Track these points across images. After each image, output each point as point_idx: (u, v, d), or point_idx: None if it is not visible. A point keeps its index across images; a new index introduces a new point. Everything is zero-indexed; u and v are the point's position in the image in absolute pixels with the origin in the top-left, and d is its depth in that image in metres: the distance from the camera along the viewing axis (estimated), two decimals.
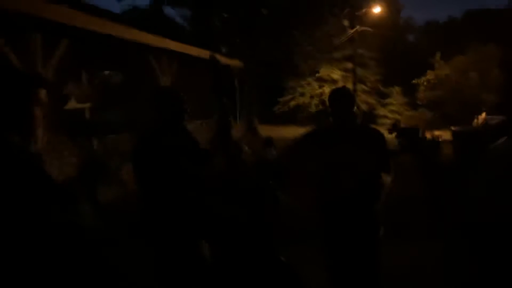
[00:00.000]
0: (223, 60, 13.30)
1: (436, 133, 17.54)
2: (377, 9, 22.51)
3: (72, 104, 7.40)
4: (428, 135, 16.26)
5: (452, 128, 11.58)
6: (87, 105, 7.84)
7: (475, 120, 18.05)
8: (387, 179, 2.99)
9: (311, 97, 25.77)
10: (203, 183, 2.86)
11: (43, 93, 1.84)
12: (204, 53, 11.90)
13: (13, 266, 1.57)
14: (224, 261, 2.92)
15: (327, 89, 25.37)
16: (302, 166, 3.21)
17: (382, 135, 3.11)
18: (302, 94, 25.93)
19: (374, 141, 3.02)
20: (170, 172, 2.72)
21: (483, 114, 17.57)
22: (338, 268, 3.07)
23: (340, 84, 25.40)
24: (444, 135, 15.92)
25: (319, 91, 25.67)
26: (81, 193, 1.95)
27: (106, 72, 12.74)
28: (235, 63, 14.74)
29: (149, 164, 2.75)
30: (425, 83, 18.87)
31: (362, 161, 2.87)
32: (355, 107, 3.08)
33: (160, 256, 2.87)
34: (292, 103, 25.97)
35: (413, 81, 19.54)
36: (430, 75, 18.94)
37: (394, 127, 9.94)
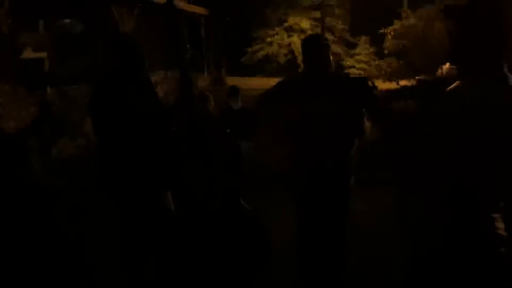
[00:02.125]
0: (187, 7, 12.86)
1: (402, 82, 17.80)
2: None
3: (28, 54, 7.05)
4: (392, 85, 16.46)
5: (417, 77, 11.74)
6: (44, 54, 7.49)
7: (439, 70, 18.35)
8: (367, 125, 2.99)
9: (280, 47, 25.47)
10: (164, 133, 2.82)
11: None
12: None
13: None
14: (189, 211, 2.93)
15: (296, 39, 25.07)
16: (273, 116, 3.18)
17: (359, 83, 3.08)
18: (271, 44, 25.58)
19: (350, 90, 2.98)
20: (127, 122, 2.66)
21: (447, 64, 17.83)
22: (308, 216, 3.11)
23: (309, 34, 25.20)
24: (409, 84, 16.17)
25: (287, 40, 25.36)
26: (34, 146, 1.89)
27: (67, 21, 12.15)
28: (200, 10, 14.28)
29: (106, 114, 2.68)
30: (392, 33, 18.84)
31: (336, 111, 2.86)
32: (330, 56, 3.02)
33: (122, 209, 2.85)
34: (261, 53, 25.63)
35: (380, 31, 19.47)
36: (397, 24, 18.88)
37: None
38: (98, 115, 2.73)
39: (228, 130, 3.05)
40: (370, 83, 2.78)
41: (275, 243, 3.01)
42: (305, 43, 3.08)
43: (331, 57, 2.99)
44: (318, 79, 2.93)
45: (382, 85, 16.37)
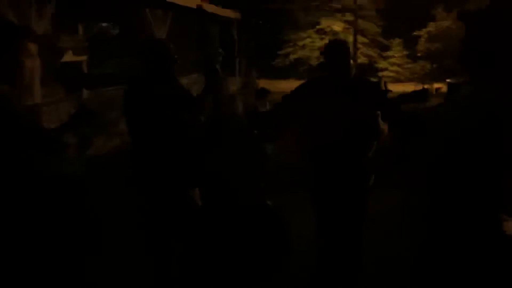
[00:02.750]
0: (220, 11, 13.10)
1: (436, 85, 17.53)
2: None
3: (68, 57, 7.42)
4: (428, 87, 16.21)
5: (448, 80, 11.57)
6: (83, 57, 7.85)
7: None
8: (383, 127, 3.08)
9: (312, 49, 25.46)
10: (193, 131, 2.99)
11: (32, 45, 1.93)
12: (203, 5, 11.73)
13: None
14: (214, 207, 3.09)
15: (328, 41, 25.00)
16: (294, 117, 3.29)
17: (376, 86, 3.18)
18: (303, 47, 25.61)
19: (367, 92, 3.08)
20: (159, 118, 2.84)
21: None
22: (326, 216, 3.21)
23: (342, 36, 25.08)
24: (444, 87, 15.89)
25: (320, 43, 25.32)
26: (70, 142, 2.07)
27: (104, 25, 12.61)
28: (232, 14, 14.52)
29: (137, 113, 2.87)
30: (425, 35, 18.61)
31: (353, 112, 2.95)
32: (351, 60, 3.12)
33: (151, 203, 3.03)
34: (292, 56, 25.69)
35: (414, 33, 19.26)
36: (431, 26, 18.65)
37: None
38: (130, 114, 2.93)
39: (255, 131, 3.18)
40: (383, 86, 2.87)
41: (295, 239, 3.12)
42: (326, 47, 3.19)
43: (351, 61, 3.09)
44: (336, 81, 3.04)
45: (415, 87, 16.18)
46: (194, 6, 10.76)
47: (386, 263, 3.48)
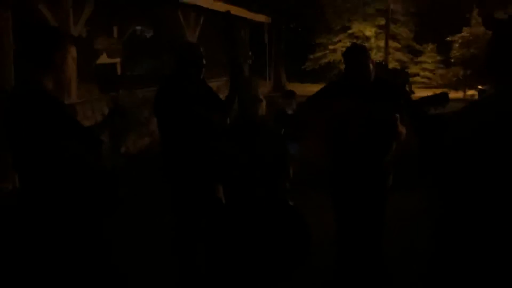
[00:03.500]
0: (250, 15, 13.24)
1: (469, 92, 17.17)
2: None
3: (103, 59, 7.69)
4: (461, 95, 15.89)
5: (479, 87, 11.33)
6: (117, 59, 8.12)
7: None
8: (402, 129, 3.13)
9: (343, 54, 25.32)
10: (220, 130, 3.11)
11: (73, 49, 2.11)
12: (228, 8, 11.90)
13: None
14: (238, 204, 3.19)
15: None
16: (316, 118, 3.37)
17: (396, 89, 3.23)
18: (334, 51, 25.50)
19: (387, 95, 3.13)
20: (188, 118, 2.97)
21: None
22: (346, 217, 3.27)
23: (373, 41, 24.86)
24: (476, 94, 15.56)
25: None
26: (105, 140, 2.22)
27: (138, 28, 12.95)
28: (263, 18, 14.66)
29: (168, 111, 3.01)
30: (459, 41, 18.25)
31: (373, 113, 3.01)
32: (369, 64, 3.18)
33: (178, 198, 3.16)
34: (323, 60, 25.61)
35: (448, 39, 18.91)
36: (465, 32, 18.27)
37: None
38: (161, 114, 3.07)
39: (281, 131, 3.26)
40: (407, 88, 2.90)
41: (317, 239, 3.18)
42: (347, 51, 3.26)
43: (371, 65, 3.14)
44: (357, 84, 3.11)
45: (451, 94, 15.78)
46: (236, 13, 10.96)
47: (406, 263, 3.50)
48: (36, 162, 1.88)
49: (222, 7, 11.44)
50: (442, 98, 2.54)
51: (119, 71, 9.16)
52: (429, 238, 2.00)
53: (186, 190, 3.14)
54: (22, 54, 2.05)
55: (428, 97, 2.56)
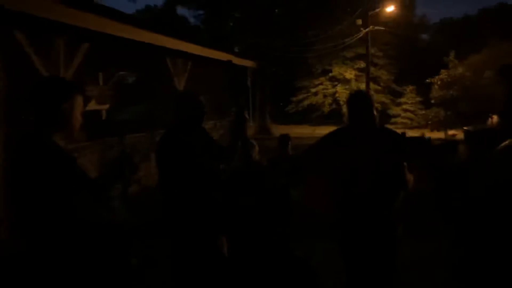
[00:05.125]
0: (237, 61, 13.44)
1: (450, 132, 17.50)
2: (390, 8, 22.45)
3: (92, 105, 7.61)
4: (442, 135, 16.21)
5: (465, 128, 11.53)
6: (106, 106, 8.05)
7: (490, 120, 17.92)
8: (409, 177, 3.06)
9: (325, 96, 25.81)
10: (221, 179, 3.01)
11: (81, 99, 2.03)
12: (218, 54, 12.06)
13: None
14: (242, 257, 3.05)
15: (340, 89, 25.39)
16: (321, 166, 3.29)
17: (400, 137, 3.20)
18: (316, 94, 25.98)
19: (392, 142, 3.09)
20: (190, 167, 2.88)
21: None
22: (355, 266, 3.14)
23: (353, 84, 25.42)
24: (459, 134, 15.85)
25: (332, 90, 25.70)
26: (114, 189, 2.11)
27: (121, 73, 12.97)
28: (248, 63, 14.88)
29: (171, 160, 2.92)
30: (438, 82, 18.78)
31: (380, 162, 2.95)
32: (374, 110, 3.15)
33: (178, 251, 3.02)
34: (305, 102, 26.04)
35: (427, 80, 19.46)
36: (444, 74, 18.85)
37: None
38: (164, 165, 2.98)
39: (282, 178, 3.18)
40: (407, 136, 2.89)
41: None
42: (351, 98, 3.23)
43: (375, 112, 3.11)
44: (363, 131, 3.05)
45: (429, 134, 16.21)
46: (221, 57, 11.10)
47: None
48: (45, 219, 1.75)
49: (209, 53, 11.60)
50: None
51: (105, 117, 9.05)
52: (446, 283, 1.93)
53: (188, 243, 3.00)
54: (29, 105, 1.96)
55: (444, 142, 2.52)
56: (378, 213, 3.00)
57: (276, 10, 23.07)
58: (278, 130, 19.87)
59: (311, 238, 4.23)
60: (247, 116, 3.12)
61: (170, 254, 3.04)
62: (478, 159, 2.03)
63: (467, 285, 1.82)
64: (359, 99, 3.14)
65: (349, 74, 25.49)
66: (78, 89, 2.01)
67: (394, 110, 24.92)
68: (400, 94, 25.56)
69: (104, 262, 1.81)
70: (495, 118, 14.36)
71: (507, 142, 1.81)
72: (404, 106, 24.89)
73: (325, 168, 3.20)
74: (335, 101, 25.43)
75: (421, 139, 2.95)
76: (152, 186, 6.83)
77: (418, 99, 24.07)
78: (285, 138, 5.23)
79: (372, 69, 23.62)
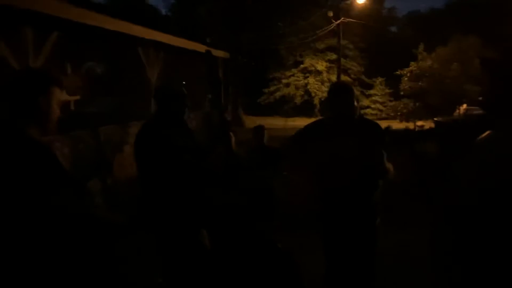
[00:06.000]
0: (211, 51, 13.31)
1: (419, 123, 17.91)
2: (361, 0, 22.66)
3: (63, 97, 7.37)
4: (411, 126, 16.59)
5: (435, 118, 11.85)
6: (76, 97, 7.83)
7: (457, 111, 18.45)
8: (389, 167, 3.09)
9: (296, 88, 25.93)
10: (204, 174, 2.96)
11: (58, 91, 1.94)
12: (191, 45, 11.90)
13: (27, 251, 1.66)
14: (223, 249, 3.02)
15: (312, 80, 25.57)
16: (303, 157, 3.28)
17: (380, 127, 3.23)
18: (287, 85, 26.06)
19: (373, 133, 3.11)
20: (172, 162, 2.81)
21: (464, 105, 17.97)
22: (336, 257, 3.16)
23: (325, 75, 25.64)
24: (427, 125, 16.24)
25: (304, 82, 25.84)
26: (93, 185, 2.05)
27: (90, 63, 12.65)
28: (220, 53, 14.76)
29: (151, 154, 2.84)
30: (408, 74, 19.16)
31: (362, 153, 2.97)
32: (355, 101, 3.16)
33: (161, 245, 2.96)
34: (278, 94, 26.09)
35: (396, 72, 19.81)
36: (413, 66, 19.22)
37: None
38: (144, 156, 2.89)
39: (265, 170, 3.18)
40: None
41: (305, 279, 3.06)
42: (334, 89, 3.23)
43: (356, 103, 3.12)
44: (344, 122, 3.06)
45: (398, 125, 16.55)
46: (192, 47, 10.94)
47: None
48: (25, 216, 1.67)
49: (182, 43, 11.43)
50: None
51: (75, 108, 8.83)
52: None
53: (170, 237, 2.94)
54: (4, 98, 1.86)
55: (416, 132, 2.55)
56: (359, 203, 3.03)
57: (248, 1, 22.93)
58: (251, 121, 19.85)
59: (294, 230, 4.24)
60: (226, 106, 3.09)
61: (154, 248, 2.99)
62: (457, 152, 2.05)
63: (450, 275, 1.85)
64: (341, 90, 3.14)
65: (321, 65, 25.68)
66: (56, 81, 1.92)
67: (364, 102, 25.28)
68: (370, 86, 25.94)
69: (96, 261, 1.76)
70: (462, 109, 14.74)
71: (487, 133, 1.82)
72: (374, 98, 25.30)
73: (307, 159, 3.19)
74: (307, 92, 25.60)
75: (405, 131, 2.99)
76: (125, 179, 6.71)
77: (388, 90, 24.50)
78: (260, 129, 5.21)
79: (343, 61, 23.84)
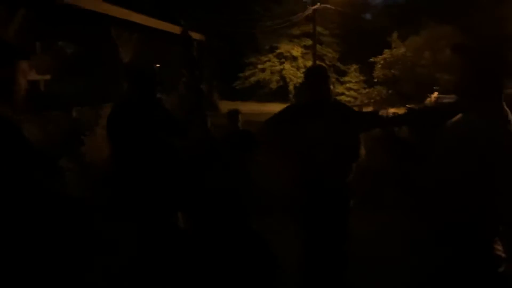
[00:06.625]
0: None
1: (391, 110, 18.18)
2: None
3: (32, 76, 7.16)
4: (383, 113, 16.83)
5: (408, 106, 12.04)
6: (46, 77, 7.59)
7: (428, 99, 18.82)
8: (362, 151, 3.14)
9: (272, 73, 25.86)
10: (179, 154, 2.93)
11: (25, 64, 1.84)
12: (165, 26, 11.68)
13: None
14: (199, 231, 3.02)
15: (287, 66, 25.52)
16: (278, 140, 3.29)
17: (354, 111, 3.27)
18: (263, 70, 25.96)
19: (348, 116, 3.14)
20: (145, 140, 2.77)
21: (435, 94, 18.34)
22: (310, 239, 3.20)
23: (300, 61, 25.64)
24: (400, 112, 16.50)
25: (279, 67, 25.79)
26: (64, 163, 1.98)
27: (60, 43, 12.28)
28: (195, 36, 14.55)
29: (124, 134, 2.79)
30: (382, 62, 19.38)
31: (337, 136, 3.00)
32: (331, 84, 3.19)
33: (136, 227, 2.93)
34: (253, 79, 25.97)
35: (370, 60, 20.00)
36: (387, 53, 19.44)
37: None
38: (117, 136, 2.83)
39: (240, 153, 3.15)
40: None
41: (281, 263, 3.09)
42: (310, 72, 3.24)
43: (332, 86, 3.16)
44: (319, 105, 3.09)
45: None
46: (166, 28, 10.73)
47: (373, 285, 3.50)
48: None
49: (155, 23, 11.20)
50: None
51: (45, 88, 8.57)
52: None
53: (142, 217, 2.91)
54: None
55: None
56: (333, 185, 3.07)
57: None
58: (226, 106, 19.69)
59: (268, 212, 4.26)
60: (203, 89, 3.05)
61: (128, 231, 2.95)
62: (427, 135, 2.10)
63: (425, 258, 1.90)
64: (318, 73, 3.15)
65: (296, 51, 25.65)
66: (22, 54, 1.83)
67: (339, 89, 25.43)
68: (345, 73, 26.09)
69: (65, 240, 1.71)
70: (433, 97, 15.02)
71: (458, 116, 1.87)
72: (348, 85, 25.46)
73: (282, 142, 3.21)
74: (282, 78, 25.57)
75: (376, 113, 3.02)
76: (96, 163, 6.57)
77: (362, 78, 24.70)
78: (234, 113, 5.20)
79: (318, 47, 23.88)
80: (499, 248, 1.83)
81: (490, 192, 1.74)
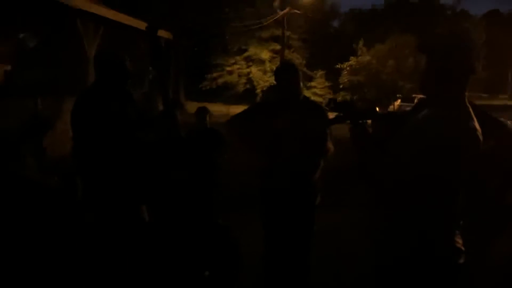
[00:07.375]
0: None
1: None
2: None
3: None
4: None
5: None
6: (6, 67, 7.33)
7: (391, 106, 19.33)
8: (330, 146, 3.16)
9: (239, 76, 25.88)
10: (146, 148, 2.87)
11: None
12: (133, 21, 11.48)
13: None
14: (164, 225, 2.97)
15: (254, 69, 25.61)
16: (246, 134, 3.28)
17: (323, 108, 3.29)
18: (230, 73, 25.94)
19: (316, 113, 3.16)
20: (110, 131, 2.69)
21: (398, 101, 18.89)
22: (275, 234, 3.19)
23: (268, 65, 25.77)
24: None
25: (247, 70, 25.84)
26: (27, 147, 1.92)
27: (21, 35, 11.89)
28: (162, 33, 14.37)
29: (89, 126, 2.70)
30: (348, 68, 19.76)
31: (305, 131, 3.01)
32: (301, 82, 3.20)
33: (99, 219, 2.85)
34: (220, 80, 25.91)
35: (337, 66, 20.35)
36: (353, 60, 19.83)
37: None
38: (82, 128, 2.73)
39: (208, 149, 3.14)
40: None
41: (244, 257, 3.08)
42: (279, 68, 3.26)
43: (301, 84, 3.18)
44: (289, 101, 3.11)
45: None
46: (134, 24, 10.54)
47: (337, 279, 3.54)
48: None
49: (122, 18, 10.99)
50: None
51: (5, 78, 8.29)
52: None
53: (106, 210, 2.83)
54: None
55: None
56: (300, 181, 3.07)
57: None
58: (192, 106, 19.53)
59: (235, 207, 4.24)
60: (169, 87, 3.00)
61: (91, 222, 2.86)
62: (391, 132, 2.13)
63: (385, 254, 1.93)
64: (288, 70, 3.17)
65: (265, 55, 25.78)
66: None
67: (306, 93, 25.64)
68: (311, 78, 26.42)
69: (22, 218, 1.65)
70: (396, 104, 15.35)
71: (425, 111, 1.91)
72: (314, 90, 25.79)
73: (252, 136, 3.20)
74: (249, 81, 25.63)
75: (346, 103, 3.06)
76: (57, 156, 6.37)
77: (327, 84, 25.07)
78: (203, 110, 5.16)
79: (286, 51, 24.08)
80: (459, 241, 1.88)
81: (443, 185, 1.78)
